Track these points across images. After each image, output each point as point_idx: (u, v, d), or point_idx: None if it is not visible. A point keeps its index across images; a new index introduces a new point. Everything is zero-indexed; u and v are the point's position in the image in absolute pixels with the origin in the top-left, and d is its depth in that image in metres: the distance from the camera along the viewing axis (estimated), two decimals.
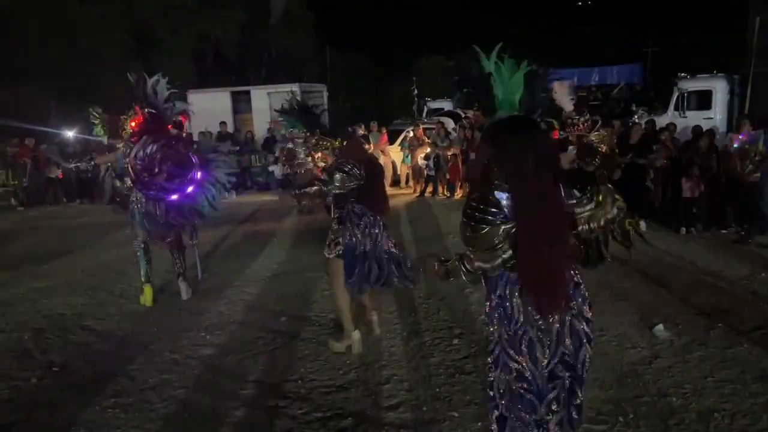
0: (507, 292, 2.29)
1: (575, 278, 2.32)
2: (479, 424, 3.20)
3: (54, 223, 10.83)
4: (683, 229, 8.14)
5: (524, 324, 2.25)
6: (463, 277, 2.35)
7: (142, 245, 5.39)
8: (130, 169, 5.08)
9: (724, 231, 8.03)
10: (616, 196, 2.34)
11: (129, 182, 5.27)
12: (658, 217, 8.64)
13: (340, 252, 4.06)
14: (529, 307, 2.24)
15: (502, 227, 2.20)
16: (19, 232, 9.89)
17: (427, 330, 4.67)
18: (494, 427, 2.38)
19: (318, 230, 8.13)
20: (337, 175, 3.97)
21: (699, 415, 3.28)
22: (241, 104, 17.66)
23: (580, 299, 2.31)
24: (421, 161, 13.13)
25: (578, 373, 2.28)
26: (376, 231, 4.07)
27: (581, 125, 6.02)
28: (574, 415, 2.31)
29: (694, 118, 13.51)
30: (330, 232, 4.17)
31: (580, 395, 2.32)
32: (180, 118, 5.38)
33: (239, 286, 6.04)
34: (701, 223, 8.14)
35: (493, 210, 2.22)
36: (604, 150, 5.88)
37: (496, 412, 2.36)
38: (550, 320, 2.23)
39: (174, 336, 4.70)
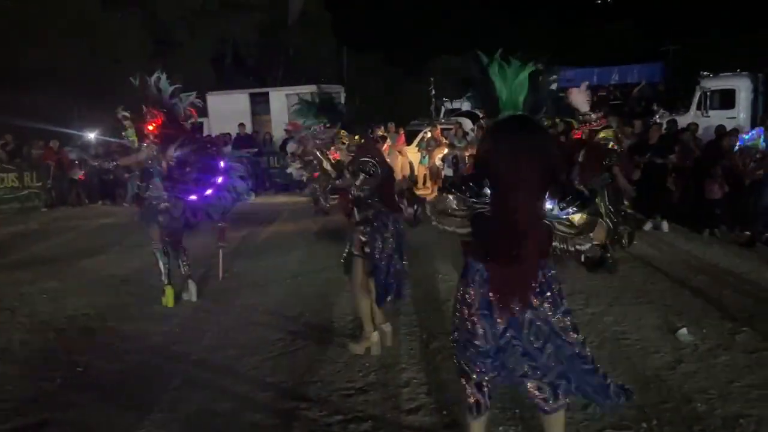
0: (473, 280, 2.47)
1: (545, 279, 2.44)
2: (500, 428, 3.18)
3: (77, 224, 11.00)
4: (706, 231, 8.02)
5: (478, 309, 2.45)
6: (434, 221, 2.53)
7: (160, 246, 5.45)
8: (165, 166, 5.16)
9: (748, 233, 7.88)
10: (599, 225, 2.51)
11: (155, 183, 5.33)
12: (680, 218, 8.52)
13: (366, 252, 4.05)
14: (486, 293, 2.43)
15: (469, 203, 2.36)
16: (43, 233, 10.06)
17: (447, 333, 4.63)
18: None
19: (336, 231, 8.15)
20: (361, 176, 3.96)
21: (724, 421, 3.22)
22: (259, 106, 17.79)
23: (547, 300, 2.44)
24: (438, 162, 13.11)
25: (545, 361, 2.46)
26: (396, 239, 4.08)
27: (594, 122, 5.98)
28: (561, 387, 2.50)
29: (717, 117, 13.30)
30: (355, 232, 4.13)
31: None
32: (190, 110, 5.42)
33: (260, 287, 6.08)
34: (725, 224, 8.01)
35: (474, 186, 2.34)
36: (613, 146, 5.84)
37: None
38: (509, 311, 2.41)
39: (195, 337, 4.75)
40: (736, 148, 8.11)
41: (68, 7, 20.32)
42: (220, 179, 5.36)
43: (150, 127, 5.13)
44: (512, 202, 2.30)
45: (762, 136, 7.72)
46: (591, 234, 2.43)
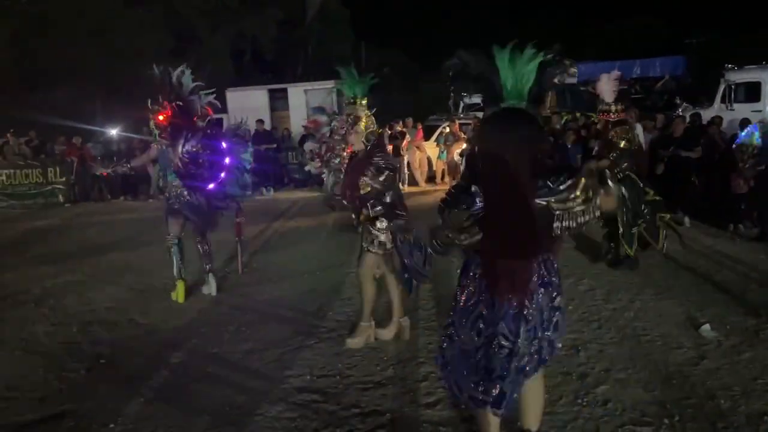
0: (477, 273, 2.56)
1: (542, 272, 2.48)
2: (518, 423, 3.16)
3: (99, 219, 11.17)
4: (731, 226, 7.87)
5: (479, 302, 2.53)
6: (430, 249, 2.70)
7: (176, 241, 5.49)
8: (178, 162, 5.18)
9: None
10: (605, 189, 2.43)
11: (171, 178, 5.37)
12: (704, 213, 8.37)
13: (387, 248, 4.12)
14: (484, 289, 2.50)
15: (471, 212, 2.41)
16: (66, 228, 10.23)
17: None
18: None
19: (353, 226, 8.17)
20: (387, 173, 4.02)
21: (748, 419, 3.17)
22: (278, 102, 17.85)
23: (544, 293, 2.49)
24: (457, 157, 13.04)
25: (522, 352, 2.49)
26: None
27: (613, 114, 5.90)
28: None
29: (742, 110, 13.05)
30: (371, 228, 4.13)
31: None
32: (207, 110, 5.44)
33: (278, 282, 6.11)
34: (750, 219, 7.86)
35: (466, 197, 2.43)
36: (622, 145, 5.77)
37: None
38: (504, 303, 2.45)
39: (216, 331, 4.79)
40: (734, 145, 8.00)
41: (89, 5, 20.60)
42: (227, 160, 5.38)
43: (160, 117, 5.14)
44: (503, 198, 2.35)
45: (756, 133, 7.62)
46: (598, 201, 2.36)
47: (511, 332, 2.46)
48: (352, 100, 4.36)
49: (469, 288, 2.61)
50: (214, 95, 5.55)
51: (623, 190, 5.78)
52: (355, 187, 4.10)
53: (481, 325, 2.54)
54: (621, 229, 5.87)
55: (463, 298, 2.62)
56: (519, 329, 2.46)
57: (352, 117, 4.23)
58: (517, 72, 2.41)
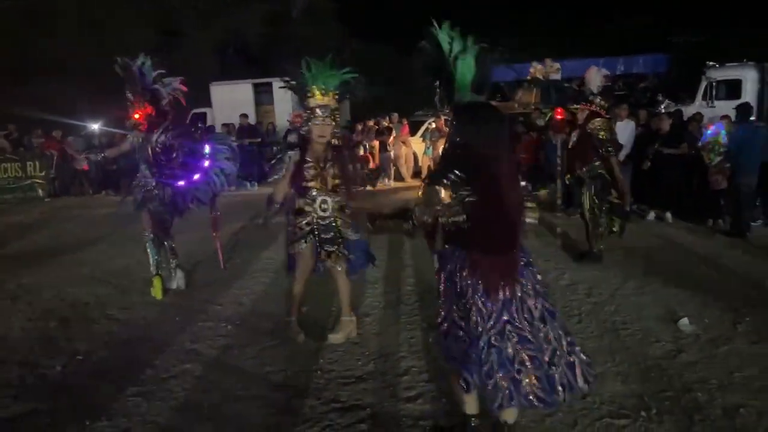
0: (456, 267, 2.52)
1: (524, 259, 2.56)
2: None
3: (79, 213, 11.03)
4: (710, 221, 7.97)
5: (471, 297, 2.49)
6: (404, 226, 2.64)
7: (152, 236, 5.44)
8: (150, 152, 5.14)
9: (753, 224, 7.83)
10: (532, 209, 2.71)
11: (141, 171, 5.32)
12: (683, 209, 8.47)
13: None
14: (476, 283, 2.47)
15: (457, 192, 2.43)
16: (46, 222, 10.09)
17: None
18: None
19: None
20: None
21: (725, 411, 3.20)
22: (263, 96, 17.73)
23: (530, 278, 2.55)
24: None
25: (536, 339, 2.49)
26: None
27: (596, 106, 5.94)
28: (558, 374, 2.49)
29: (723, 108, 13.16)
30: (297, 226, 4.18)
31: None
32: (173, 94, 5.38)
33: (259, 277, 6.07)
34: (729, 215, 7.96)
35: (452, 176, 2.42)
36: (603, 136, 5.84)
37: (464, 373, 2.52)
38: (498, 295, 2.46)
39: (195, 326, 4.75)
40: (700, 143, 8.10)
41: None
42: (207, 163, 5.35)
43: (136, 116, 5.12)
44: (501, 190, 2.40)
45: (723, 132, 7.73)
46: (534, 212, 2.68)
47: (515, 318, 2.48)
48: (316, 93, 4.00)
49: (451, 280, 2.59)
50: (179, 80, 5.48)
51: (593, 189, 5.92)
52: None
53: (477, 318, 2.49)
54: (590, 227, 6.07)
55: (447, 290, 2.63)
56: (514, 314, 2.49)
57: (327, 110, 3.99)
58: (461, 65, 2.52)
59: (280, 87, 4.60)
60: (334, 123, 4.05)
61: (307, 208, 4.12)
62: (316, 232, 4.14)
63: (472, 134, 2.43)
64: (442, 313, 2.66)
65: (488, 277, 2.45)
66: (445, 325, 2.64)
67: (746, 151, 7.49)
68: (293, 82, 4.08)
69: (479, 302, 2.47)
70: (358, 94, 4.27)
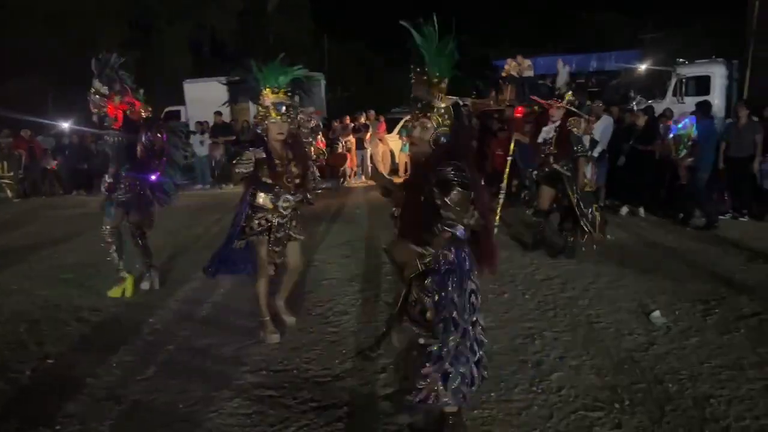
0: (458, 259, 2.61)
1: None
2: (475, 412, 3.19)
3: (48, 214, 10.81)
4: (680, 216, 8.12)
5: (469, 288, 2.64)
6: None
7: (113, 236, 5.37)
8: (138, 152, 5.10)
9: (722, 217, 8.01)
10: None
11: (124, 170, 5.24)
12: (655, 204, 8.63)
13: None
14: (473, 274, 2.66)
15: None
16: (15, 224, 9.86)
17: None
18: (439, 384, 2.60)
19: (314, 217, 8.11)
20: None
21: (695, 401, 3.27)
22: (238, 94, 17.53)
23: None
24: None
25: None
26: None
27: (564, 102, 6.02)
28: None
29: (693, 104, 13.39)
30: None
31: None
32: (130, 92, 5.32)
33: (234, 276, 5.99)
34: (692, 209, 8.13)
35: (465, 175, 2.59)
36: (577, 132, 5.96)
37: (447, 368, 2.59)
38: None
39: (171, 327, 4.68)
40: (670, 136, 8.27)
41: None
42: (164, 158, 5.33)
43: (111, 115, 5.06)
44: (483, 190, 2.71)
45: (694, 125, 7.93)
46: None
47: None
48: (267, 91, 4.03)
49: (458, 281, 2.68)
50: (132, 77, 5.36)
51: (573, 184, 6.00)
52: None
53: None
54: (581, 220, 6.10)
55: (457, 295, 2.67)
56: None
57: (282, 106, 3.99)
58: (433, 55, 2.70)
59: (223, 84, 4.59)
60: (290, 120, 4.04)
61: (268, 206, 4.13)
62: (272, 230, 4.17)
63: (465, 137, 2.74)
64: (442, 302, 2.66)
65: (493, 257, 2.82)
66: (445, 313, 2.66)
67: (703, 146, 7.86)
68: (238, 79, 4.12)
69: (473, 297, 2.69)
70: (310, 92, 4.33)
